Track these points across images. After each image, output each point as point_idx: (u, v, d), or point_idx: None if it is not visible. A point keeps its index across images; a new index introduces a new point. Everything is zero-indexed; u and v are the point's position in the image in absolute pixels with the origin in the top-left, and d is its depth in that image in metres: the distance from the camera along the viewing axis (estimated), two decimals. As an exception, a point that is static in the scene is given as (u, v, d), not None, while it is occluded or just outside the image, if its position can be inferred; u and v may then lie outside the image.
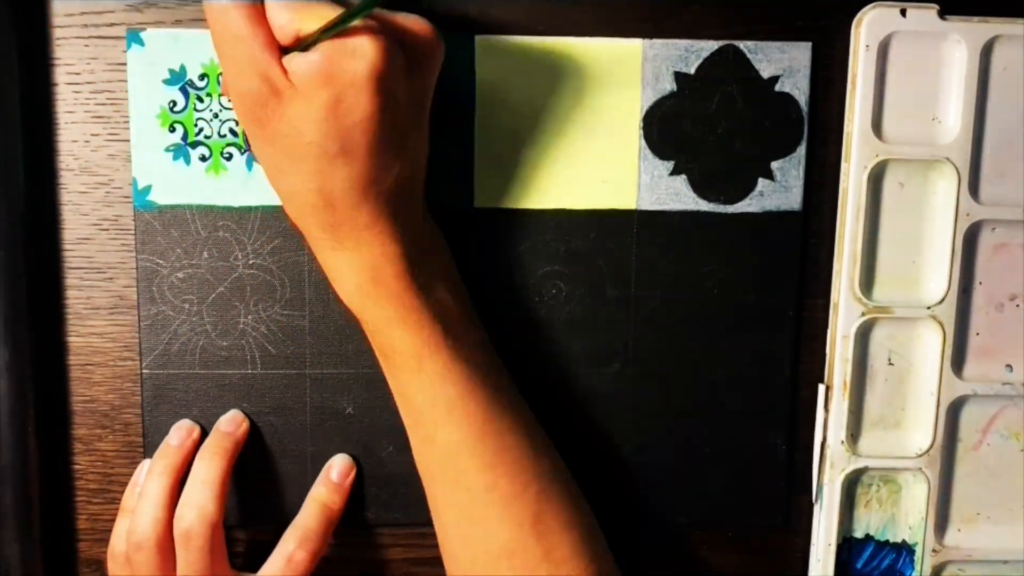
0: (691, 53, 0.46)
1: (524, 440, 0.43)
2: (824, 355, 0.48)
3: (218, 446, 0.45)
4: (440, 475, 0.42)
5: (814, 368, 0.49)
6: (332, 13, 0.36)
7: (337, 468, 0.47)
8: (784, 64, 0.46)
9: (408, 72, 0.38)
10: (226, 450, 0.45)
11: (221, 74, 0.44)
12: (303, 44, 0.37)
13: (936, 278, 0.48)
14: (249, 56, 0.36)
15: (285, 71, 0.37)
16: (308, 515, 0.46)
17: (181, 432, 0.46)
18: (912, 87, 0.47)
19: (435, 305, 0.41)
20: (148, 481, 0.45)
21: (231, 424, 0.47)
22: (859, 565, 0.49)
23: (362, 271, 0.40)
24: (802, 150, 0.47)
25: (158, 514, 0.44)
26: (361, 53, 0.36)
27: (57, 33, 0.45)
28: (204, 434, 0.47)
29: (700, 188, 0.47)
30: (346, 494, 0.47)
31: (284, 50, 0.37)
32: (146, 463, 0.46)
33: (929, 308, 0.47)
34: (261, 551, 0.47)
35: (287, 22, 0.36)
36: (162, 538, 0.44)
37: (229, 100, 0.45)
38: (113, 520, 0.47)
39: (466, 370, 0.41)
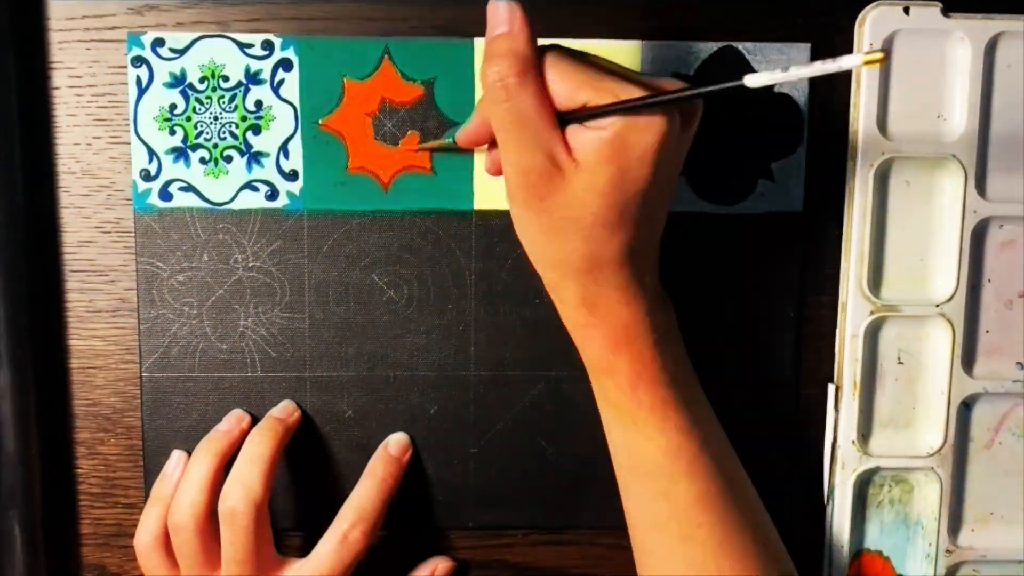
0: (690, 54, 0.46)
1: (751, 493, 0.43)
2: (824, 356, 0.48)
3: (270, 428, 0.45)
4: (675, 530, 0.42)
5: (818, 368, 0.48)
6: (615, 84, 0.36)
7: (395, 443, 0.47)
8: (783, 65, 0.46)
9: (679, 138, 0.38)
10: (277, 432, 0.45)
11: (476, 129, 0.42)
12: (587, 116, 0.36)
13: (944, 276, 0.47)
14: (534, 135, 0.37)
15: (568, 147, 0.37)
16: (364, 492, 0.46)
17: (231, 419, 0.46)
18: (917, 85, 0.46)
19: (674, 363, 0.41)
20: (192, 463, 0.45)
21: (283, 411, 0.47)
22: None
23: (616, 331, 0.40)
24: (802, 151, 0.47)
25: (200, 496, 0.44)
26: (651, 128, 0.36)
27: (58, 36, 0.45)
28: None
29: (700, 189, 0.47)
30: (403, 470, 0.47)
31: (562, 118, 0.37)
32: (175, 453, 0.46)
33: (938, 306, 0.47)
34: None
35: (569, 92, 0.37)
36: (202, 520, 0.44)
37: (493, 173, 0.44)
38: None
39: (704, 425, 0.42)
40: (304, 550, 0.46)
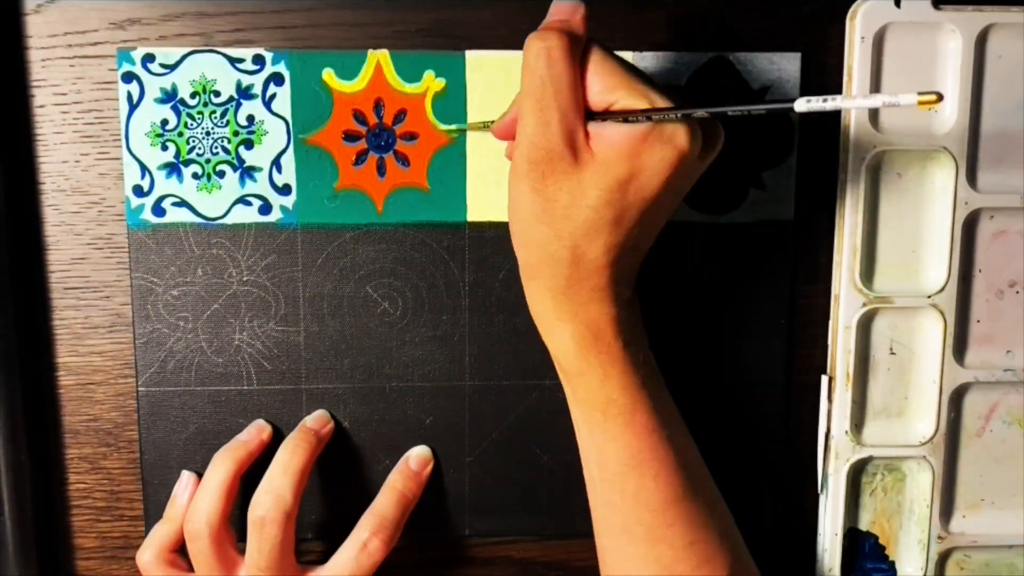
0: (681, 65, 0.45)
1: (715, 492, 0.44)
2: (817, 347, 0.49)
3: (303, 439, 0.46)
4: (644, 531, 0.42)
5: (811, 359, 0.49)
6: (650, 91, 0.37)
7: (415, 458, 0.48)
8: (774, 75, 0.46)
9: (696, 163, 0.39)
10: (311, 443, 0.46)
11: (513, 121, 0.40)
12: (612, 116, 0.37)
13: (936, 267, 0.48)
14: (559, 112, 0.37)
15: (587, 136, 0.37)
16: (384, 503, 0.46)
17: (252, 429, 0.47)
18: (908, 77, 0.46)
19: (643, 365, 0.42)
20: (210, 471, 0.45)
21: (317, 422, 0.47)
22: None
23: (587, 328, 0.40)
24: (793, 160, 0.47)
25: (216, 503, 0.44)
26: (676, 141, 0.36)
27: (40, 55, 0.45)
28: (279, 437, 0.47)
29: (692, 199, 0.47)
30: (423, 484, 0.48)
31: (587, 114, 0.38)
32: (184, 474, 0.47)
33: (929, 297, 0.47)
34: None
35: (604, 89, 0.37)
36: (218, 527, 0.44)
37: (499, 137, 0.42)
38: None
39: (672, 425, 0.42)
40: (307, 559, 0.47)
